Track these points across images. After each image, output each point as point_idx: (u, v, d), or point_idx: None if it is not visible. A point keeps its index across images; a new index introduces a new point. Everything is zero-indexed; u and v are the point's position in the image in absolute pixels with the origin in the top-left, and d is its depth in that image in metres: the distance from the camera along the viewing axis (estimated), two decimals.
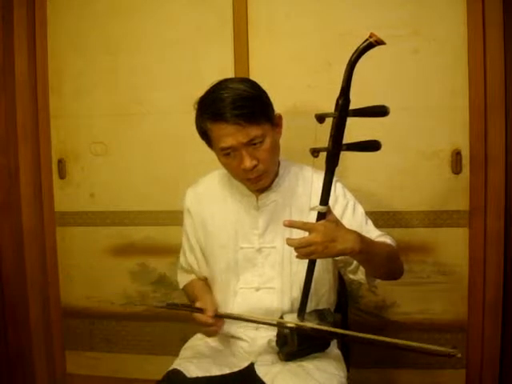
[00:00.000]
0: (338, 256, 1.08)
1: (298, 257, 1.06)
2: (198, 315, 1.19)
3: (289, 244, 1.05)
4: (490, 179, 1.68)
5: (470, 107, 1.68)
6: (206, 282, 1.41)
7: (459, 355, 0.96)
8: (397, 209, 1.76)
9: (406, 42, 1.69)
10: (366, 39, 0.93)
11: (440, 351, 0.98)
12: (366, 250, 1.08)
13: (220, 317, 1.21)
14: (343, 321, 1.47)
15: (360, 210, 1.30)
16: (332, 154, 1.01)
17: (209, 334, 1.28)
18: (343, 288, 1.49)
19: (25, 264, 1.96)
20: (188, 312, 1.22)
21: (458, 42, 1.66)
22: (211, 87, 1.20)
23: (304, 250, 1.03)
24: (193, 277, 1.44)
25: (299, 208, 1.26)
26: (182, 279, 1.47)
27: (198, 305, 1.21)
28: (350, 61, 0.95)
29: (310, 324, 1.16)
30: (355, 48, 0.95)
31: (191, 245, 1.39)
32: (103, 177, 1.94)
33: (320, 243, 1.02)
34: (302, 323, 1.17)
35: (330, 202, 1.22)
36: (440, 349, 0.98)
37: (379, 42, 0.92)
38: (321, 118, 0.98)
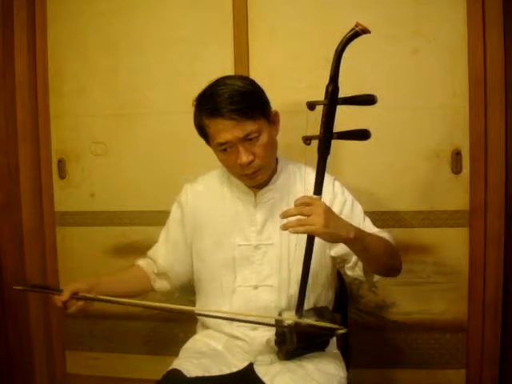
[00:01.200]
0: (335, 237, 1.06)
1: (295, 231, 1.05)
2: (53, 297, 1.19)
3: (285, 215, 1.05)
4: (489, 179, 1.68)
5: (469, 107, 1.68)
6: (129, 277, 1.41)
7: (343, 331, 1.10)
8: (396, 209, 1.76)
9: (405, 42, 1.69)
10: (352, 28, 0.96)
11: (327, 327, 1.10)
12: (361, 238, 1.09)
13: (81, 298, 1.19)
14: (343, 321, 1.47)
15: (358, 207, 1.31)
16: (323, 142, 1.04)
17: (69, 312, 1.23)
18: (343, 288, 1.49)
19: (25, 264, 1.96)
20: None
21: (457, 42, 1.66)
22: (209, 84, 1.22)
23: (306, 221, 1.02)
24: (139, 263, 1.42)
25: None
26: (139, 261, 1.44)
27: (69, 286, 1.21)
28: (336, 50, 0.98)
29: (309, 320, 1.17)
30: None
31: (167, 237, 1.40)
32: (103, 177, 1.94)
33: (322, 214, 1.02)
34: (299, 320, 1.17)
35: (329, 200, 1.24)
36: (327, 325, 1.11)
37: (365, 31, 0.96)
38: (311, 106, 1.02)
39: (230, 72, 1.76)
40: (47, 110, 1.96)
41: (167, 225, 1.42)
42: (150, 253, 1.43)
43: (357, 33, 0.95)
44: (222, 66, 1.77)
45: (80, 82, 1.92)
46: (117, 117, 1.91)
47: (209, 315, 1.30)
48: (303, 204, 1.05)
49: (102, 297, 1.20)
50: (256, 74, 1.75)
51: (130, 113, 1.89)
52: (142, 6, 1.84)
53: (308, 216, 1.03)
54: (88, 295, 1.19)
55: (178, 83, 1.83)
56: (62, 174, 1.97)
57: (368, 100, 1.02)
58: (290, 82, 1.76)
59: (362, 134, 1.04)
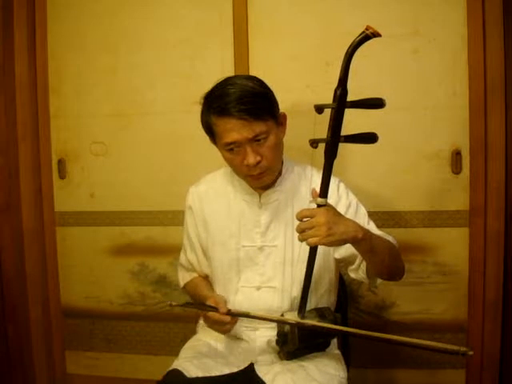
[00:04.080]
0: (341, 242, 1.06)
1: (303, 240, 1.05)
2: (212, 314, 1.18)
3: (297, 230, 1.05)
4: (489, 179, 1.68)
5: (469, 107, 1.68)
6: (208, 281, 1.41)
7: (471, 353, 0.94)
8: (397, 209, 1.76)
9: (406, 42, 1.69)
10: (363, 31, 0.95)
11: (449, 349, 0.96)
12: (368, 238, 1.09)
13: (232, 315, 1.19)
14: (343, 321, 1.47)
15: (362, 210, 1.31)
16: (330, 145, 1.03)
17: (222, 332, 1.24)
18: (343, 288, 1.49)
19: (25, 264, 1.96)
20: (199, 311, 1.24)
21: (458, 42, 1.66)
22: (218, 83, 1.21)
23: (308, 234, 1.03)
24: (194, 275, 1.44)
25: (301, 207, 1.25)
26: (183, 277, 1.47)
27: (209, 303, 1.21)
28: (347, 52, 0.97)
29: (311, 321, 1.16)
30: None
31: (192, 243, 1.39)
32: (103, 177, 1.94)
33: (324, 224, 1.02)
34: (303, 321, 1.17)
35: (333, 202, 1.24)
36: (450, 347, 0.96)
37: (375, 34, 0.95)
38: (319, 109, 1.01)
39: (231, 72, 1.76)
40: (47, 110, 1.96)
41: (186, 233, 1.41)
42: (185, 264, 1.44)
43: (367, 36, 0.94)
44: (222, 66, 1.77)
45: (80, 82, 1.92)
46: (117, 117, 1.91)
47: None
48: (304, 217, 1.05)
49: (253, 313, 1.20)
50: (256, 74, 1.73)
51: (130, 113, 1.89)
52: (142, 6, 1.84)
53: (310, 228, 1.03)
54: (241, 311, 1.21)
55: (178, 83, 1.83)
56: (62, 174, 1.97)
57: (377, 104, 1.01)
58: (289, 82, 1.75)
59: (369, 138, 1.03)
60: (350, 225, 1.07)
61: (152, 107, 1.87)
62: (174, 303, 1.20)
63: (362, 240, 1.07)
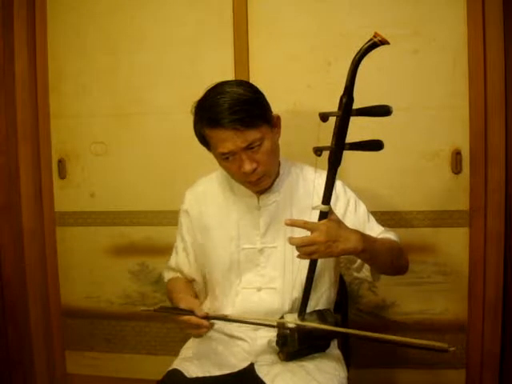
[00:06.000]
0: (340, 255, 1.07)
1: (299, 256, 1.06)
2: (188, 317, 1.16)
3: (291, 243, 1.05)
4: (490, 179, 1.68)
5: (469, 107, 1.68)
6: (190, 284, 1.40)
7: (452, 348, 1.00)
8: (397, 209, 1.76)
9: (406, 42, 1.69)
10: (370, 39, 0.93)
11: (435, 346, 1.02)
12: (369, 249, 1.09)
13: (209, 318, 1.17)
14: (343, 321, 1.47)
15: (362, 206, 1.31)
16: (335, 153, 1.02)
17: (196, 336, 1.24)
18: (343, 288, 1.49)
19: (25, 264, 1.96)
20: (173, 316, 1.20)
21: (458, 42, 1.66)
22: (207, 91, 1.19)
23: (306, 249, 1.03)
24: (178, 275, 1.43)
25: (300, 208, 1.26)
26: (168, 275, 1.46)
27: (182, 306, 1.19)
28: (353, 60, 0.95)
29: (311, 324, 1.16)
30: (355, 48, 0.96)
31: (185, 246, 1.39)
32: (103, 177, 1.94)
33: (323, 243, 1.02)
34: (302, 323, 1.17)
35: (332, 201, 1.23)
36: (435, 344, 1.02)
37: (383, 42, 0.92)
38: (324, 117, 0.99)
39: (230, 72, 1.76)
40: (47, 109, 1.96)
41: (180, 234, 1.41)
42: (173, 266, 1.43)
43: (375, 43, 0.92)
44: (222, 67, 1.77)
45: (80, 82, 1.92)
46: (117, 117, 1.91)
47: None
48: (302, 228, 1.05)
49: (230, 317, 1.20)
50: (256, 75, 1.76)
51: (130, 113, 1.89)
52: (142, 6, 1.84)
53: (310, 245, 1.03)
54: (219, 315, 1.20)
55: (177, 83, 1.83)
56: (62, 174, 1.97)
57: (383, 112, 0.98)
58: (289, 83, 1.75)
59: (374, 145, 1.01)
60: (351, 239, 1.06)
61: (152, 107, 1.87)
62: (145, 308, 1.18)
63: (362, 252, 1.08)
